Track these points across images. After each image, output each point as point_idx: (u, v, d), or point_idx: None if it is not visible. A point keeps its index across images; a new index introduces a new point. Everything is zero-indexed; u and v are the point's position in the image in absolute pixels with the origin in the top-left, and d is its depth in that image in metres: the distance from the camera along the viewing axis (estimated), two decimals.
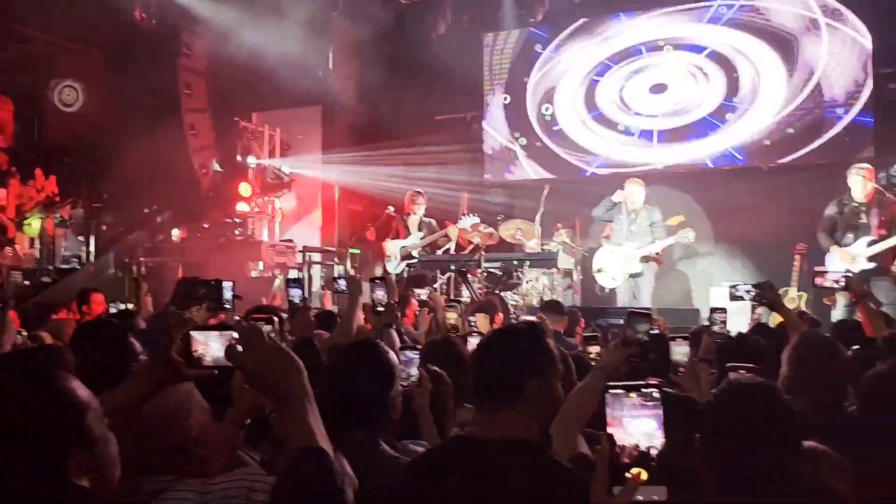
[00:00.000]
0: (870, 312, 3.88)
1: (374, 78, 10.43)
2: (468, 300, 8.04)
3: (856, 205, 7.27)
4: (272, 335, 2.65)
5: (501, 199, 10.83)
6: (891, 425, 2.16)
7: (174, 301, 4.32)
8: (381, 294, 3.91)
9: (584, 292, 9.15)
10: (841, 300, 6.92)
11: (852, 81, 9.29)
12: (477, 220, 8.84)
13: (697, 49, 10.11)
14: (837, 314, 6.86)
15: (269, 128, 11.05)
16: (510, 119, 11.07)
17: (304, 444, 1.41)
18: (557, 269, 8.76)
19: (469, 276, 8.58)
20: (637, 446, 1.34)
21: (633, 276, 8.21)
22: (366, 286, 4.17)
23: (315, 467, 1.38)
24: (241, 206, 10.48)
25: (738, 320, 5.47)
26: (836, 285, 4.23)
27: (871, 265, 7.06)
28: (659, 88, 10.34)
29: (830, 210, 7.42)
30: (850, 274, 4.30)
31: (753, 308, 6.38)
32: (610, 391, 1.39)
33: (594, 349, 3.76)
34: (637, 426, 1.36)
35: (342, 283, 4.31)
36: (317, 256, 10.45)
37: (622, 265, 8.19)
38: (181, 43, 10.44)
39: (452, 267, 8.59)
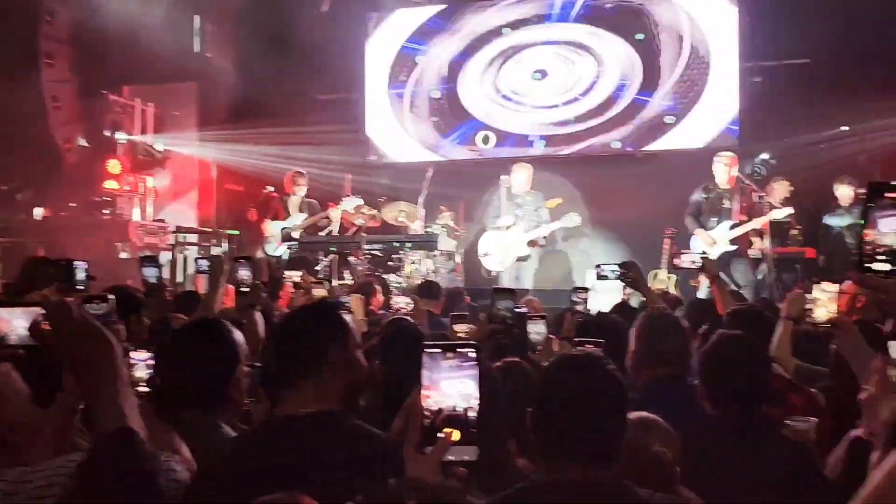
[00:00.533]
0: (722, 292, 4.10)
1: (253, 55, 10.06)
2: (351, 282, 7.95)
3: (720, 191, 7.69)
4: (97, 313, 2.50)
5: (385, 180, 10.76)
6: (720, 395, 2.28)
7: (20, 282, 4.03)
8: (245, 274, 3.77)
9: (467, 274, 9.23)
10: (705, 281, 7.27)
11: (718, 73, 9.76)
12: (360, 201, 8.76)
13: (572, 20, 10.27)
14: (702, 294, 7.21)
15: (140, 102, 10.47)
16: (394, 100, 10.98)
17: (114, 425, 1.36)
18: (440, 251, 8.79)
19: (351, 258, 8.49)
20: (454, 407, 1.31)
21: (519, 259, 8.36)
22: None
23: (123, 449, 1.32)
24: (110, 184, 9.91)
25: (611, 300, 5.65)
26: (692, 265, 4.45)
27: (733, 248, 7.50)
28: (540, 74, 10.51)
29: (697, 195, 7.82)
30: (706, 256, 4.52)
31: (624, 288, 6.62)
32: (426, 350, 1.33)
33: (461, 328, 3.78)
34: (454, 387, 1.32)
35: (203, 264, 4.13)
36: (192, 237, 10.03)
37: (509, 249, 8.31)
38: (42, 9, 9.72)
39: (334, 249, 8.48)
